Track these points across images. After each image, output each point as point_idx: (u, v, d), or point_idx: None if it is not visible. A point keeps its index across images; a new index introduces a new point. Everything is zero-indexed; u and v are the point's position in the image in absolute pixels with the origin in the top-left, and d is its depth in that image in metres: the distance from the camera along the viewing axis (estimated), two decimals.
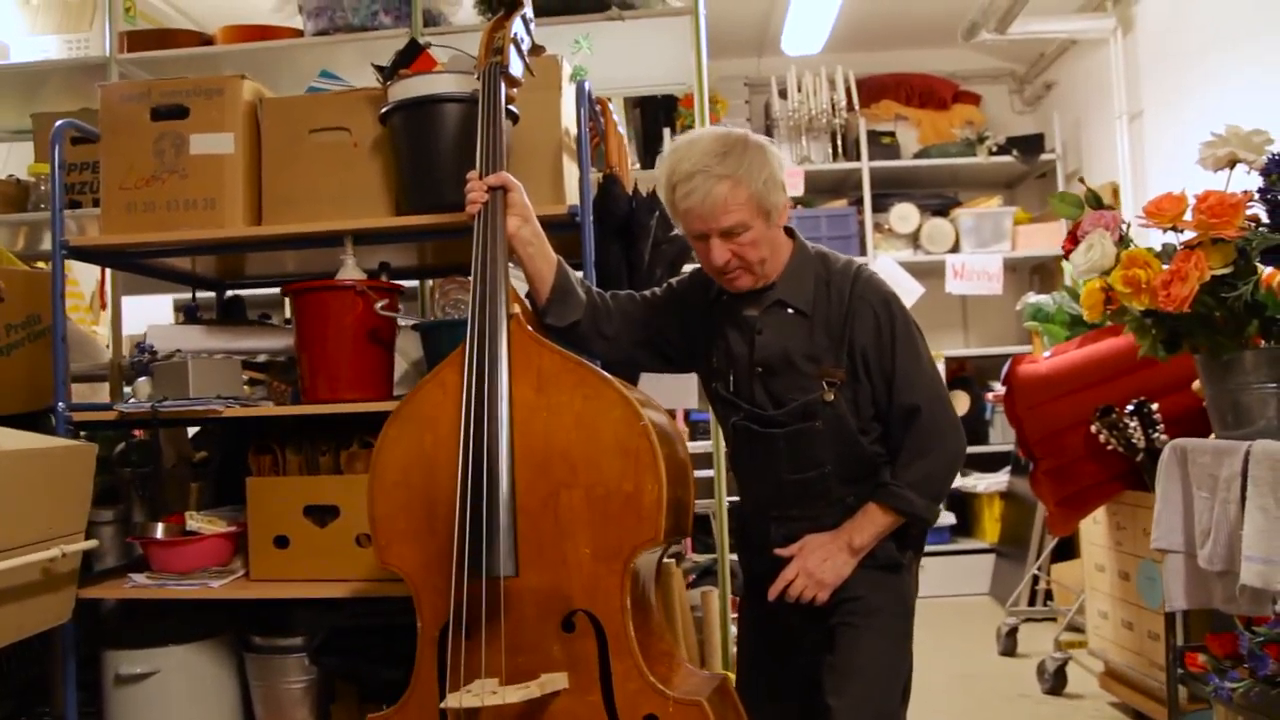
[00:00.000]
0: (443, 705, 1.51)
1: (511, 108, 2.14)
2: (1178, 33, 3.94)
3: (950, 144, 4.99)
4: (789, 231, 1.79)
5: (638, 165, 4.19)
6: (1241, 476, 1.71)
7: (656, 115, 4.93)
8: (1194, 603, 1.92)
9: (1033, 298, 3.85)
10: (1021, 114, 5.39)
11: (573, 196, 2.19)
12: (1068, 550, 4.12)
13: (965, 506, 4.92)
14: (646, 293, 1.92)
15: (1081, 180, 3.81)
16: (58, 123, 2.35)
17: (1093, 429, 2.79)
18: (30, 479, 1.78)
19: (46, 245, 3.21)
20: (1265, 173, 1.61)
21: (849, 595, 1.72)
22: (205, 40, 3.19)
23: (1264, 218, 1.62)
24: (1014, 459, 4.66)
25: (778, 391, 1.73)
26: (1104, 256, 1.76)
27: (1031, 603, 4.12)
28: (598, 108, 2.46)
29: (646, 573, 1.63)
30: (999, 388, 4.40)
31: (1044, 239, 4.82)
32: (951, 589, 4.69)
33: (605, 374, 1.62)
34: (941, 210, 4.95)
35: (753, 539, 1.87)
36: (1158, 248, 1.78)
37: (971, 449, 4.86)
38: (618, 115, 3.43)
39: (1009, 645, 3.78)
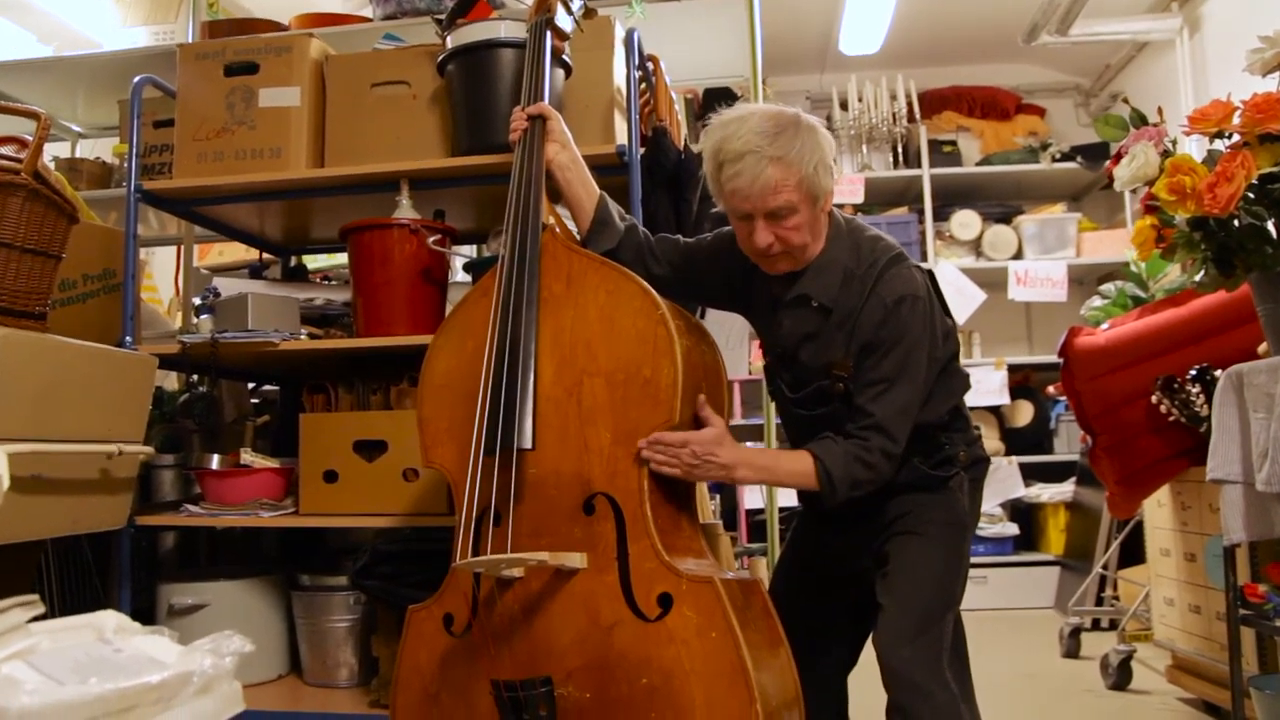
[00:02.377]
0: (455, 565, 1.54)
1: (564, 58, 2.22)
2: (1246, 35, 3.88)
3: (1013, 151, 4.96)
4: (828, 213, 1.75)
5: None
6: None
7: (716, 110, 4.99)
8: (1254, 534, 1.85)
9: (1097, 302, 3.78)
10: (1087, 127, 5.33)
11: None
12: (1135, 555, 3.98)
13: (1029, 517, 4.78)
14: (692, 240, 1.94)
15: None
16: (137, 77, 2.50)
17: (1154, 400, 2.71)
18: (93, 376, 1.86)
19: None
20: None
21: (900, 512, 1.73)
22: (280, 29, 3.36)
23: None
24: (1079, 469, 4.54)
25: (795, 377, 1.76)
26: (1147, 165, 1.74)
27: (1098, 604, 3.96)
28: (649, 64, 2.53)
29: None
30: (1055, 390, 4.33)
31: (1110, 246, 4.74)
32: (1015, 601, 4.55)
33: (629, 271, 1.67)
34: (1004, 218, 4.91)
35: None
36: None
37: (1036, 459, 4.75)
38: (680, 113, 3.51)
39: (1072, 646, 3.64)
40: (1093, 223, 4.97)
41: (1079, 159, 4.84)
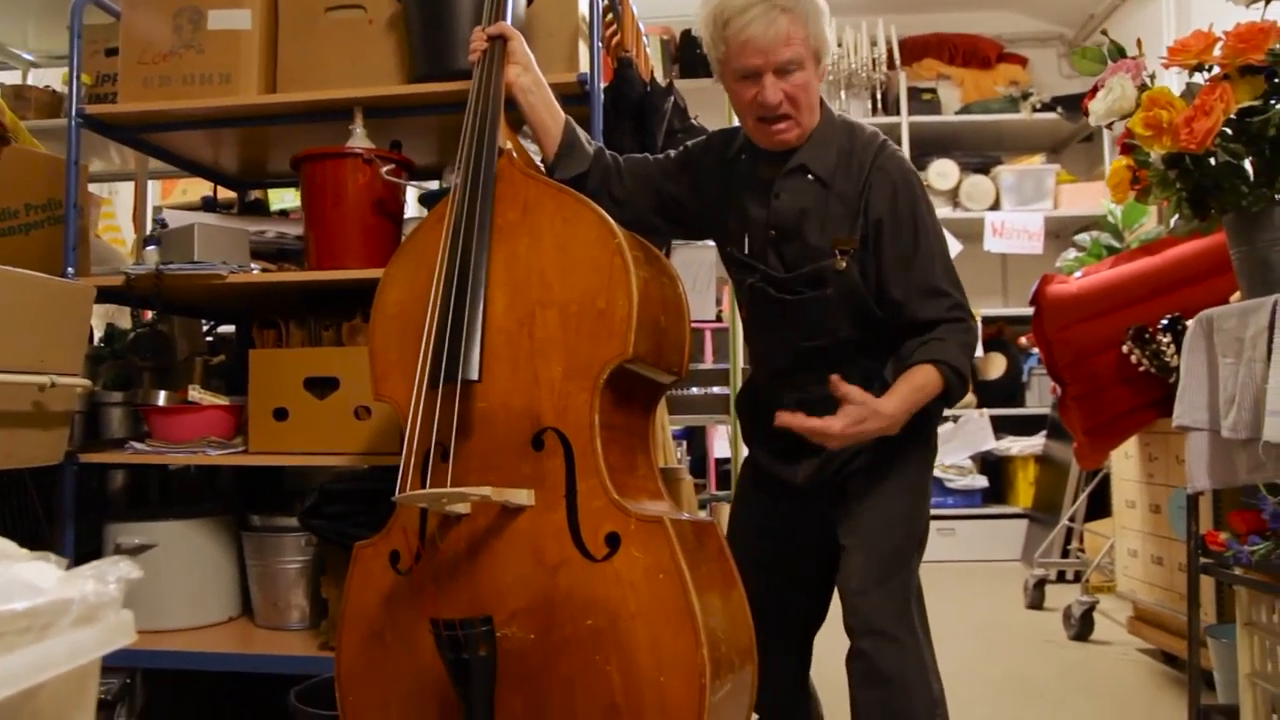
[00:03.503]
0: (394, 498, 1.49)
1: None
2: None
3: (992, 101, 4.88)
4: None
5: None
6: (1269, 331, 1.61)
7: (695, 68, 4.88)
8: (1218, 481, 1.81)
9: (1072, 254, 3.73)
10: (1070, 78, 5.25)
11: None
12: (1103, 509, 3.99)
13: (998, 470, 4.78)
14: (660, 155, 1.88)
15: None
16: None
17: (1124, 350, 2.67)
18: (24, 305, 1.78)
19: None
20: None
21: (863, 448, 1.66)
22: None
23: None
24: (1050, 422, 4.53)
25: (791, 256, 1.68)
26: (1123, 98, 1.67)
27: (1064, 556, 3.98)
28: None
29: (629, 400, 1.58)
30: (1027, 341, 4.30)
31: (1088, 199, 4.69)
32: (982, 554, 4.56)
33: (587, 199, 1.60)
34: (982, 168, 4.84)
35: (763, 415, 1.81)
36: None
37: (1007, 411, 4.74)
38: (655, 59, 3.41)
39: (1036, 598, 3.65)
40: (1071, 175, 4.92)
41: (1059, 109, 4.77)
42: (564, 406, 1.48)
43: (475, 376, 1.50)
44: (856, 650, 1.57)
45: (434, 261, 1.62)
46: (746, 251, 1.74)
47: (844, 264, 1.62)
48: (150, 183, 3.75)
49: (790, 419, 1.54)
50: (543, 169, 1.82)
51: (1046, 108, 4.81)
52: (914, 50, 5.08)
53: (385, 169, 2.16)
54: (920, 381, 1.58)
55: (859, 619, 1.58)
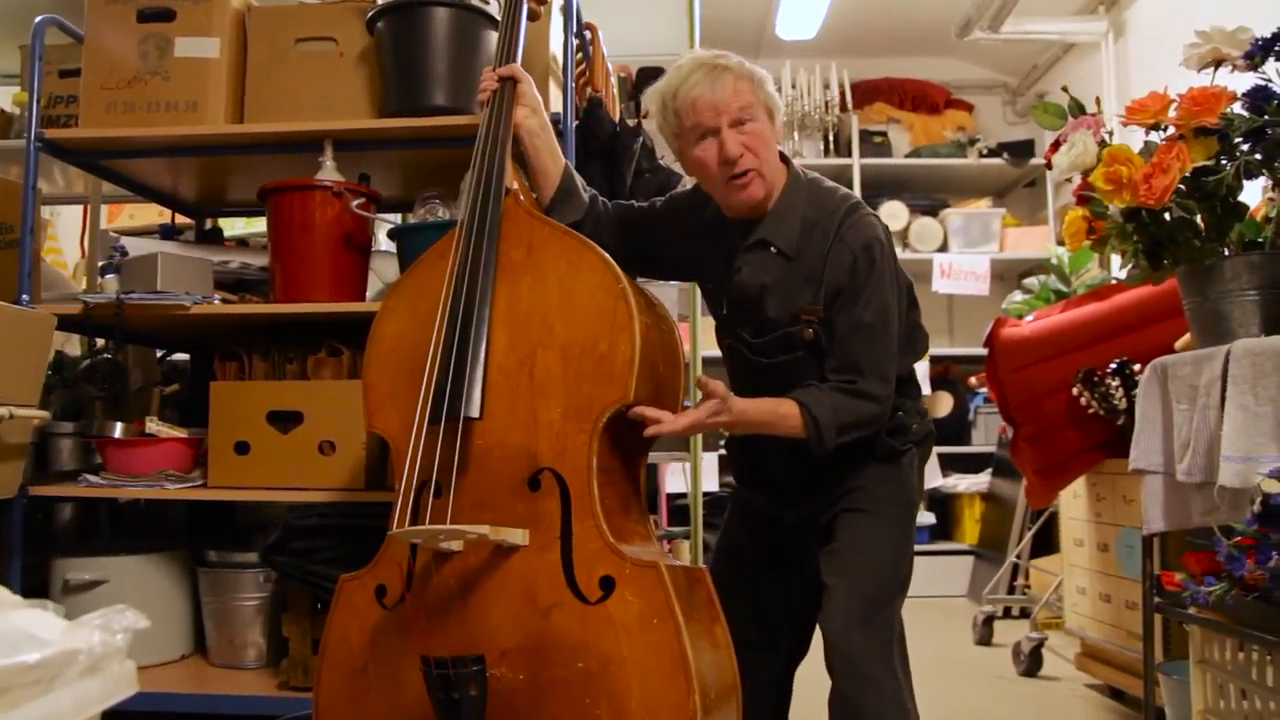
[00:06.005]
0: (391, 532, 1.47)
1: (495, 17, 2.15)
2: (1169, 39, 3.98)
3: (941, 145, 5.01)
4: (784, 160, 1.75)
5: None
6: (1221, 380, 1.68)
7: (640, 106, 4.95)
8: (1173, 523, 1.87)
9: (1018, 297, 3.84)
10: (1014, 124, 5.41)
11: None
12: (1048, 546, 4.08)
13: (945, 507, 4.86)
14: (645, 203, 1.91)
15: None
16: (39, 18, 2.34)
17: (1074, 392, 2.75)
18: None
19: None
20: (1248, 56, 1.60)
21: (851, 486, 1.69)
22: None
23: (1243, 110, 1.61)
24: (996, 460, 4.63)
25: (761, 323, 1.70)
26: (1086, 153, 1.74)
27: (1010, 592, 4.05)
28: (587, 33, 2.47)
29: (624, 444, 1.58)
30: (981, 387, 4.41)
31: (1032, 242, 4.83)
32: (929, 590, 4.61)
33: (592, 243, 1.61)
34: (930, 210, 4.96)
35: (751, 460, 1.85)
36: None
37: (953, 449, 4.83)
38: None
39: (985, 634, 3.71)
40: (1015, 219, 5.06)
41: (1005, 155, 4.92)
42: (562, 447, 1.49)
43: (477, 414, 1.50)
44: (838, 693, 1.58)
45: (434, 296, 1.62)
46: (723, 312, 1.77)
47: (810, 333, 1.64)
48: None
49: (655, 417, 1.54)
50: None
51: (993, 153, 4.96)
52: (865, 94, 5.20)
53: (355, 203, 2.15)
54: (784, 411, 1.60)
55: (841, 659, 1.58)
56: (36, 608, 0.80)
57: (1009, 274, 5.17)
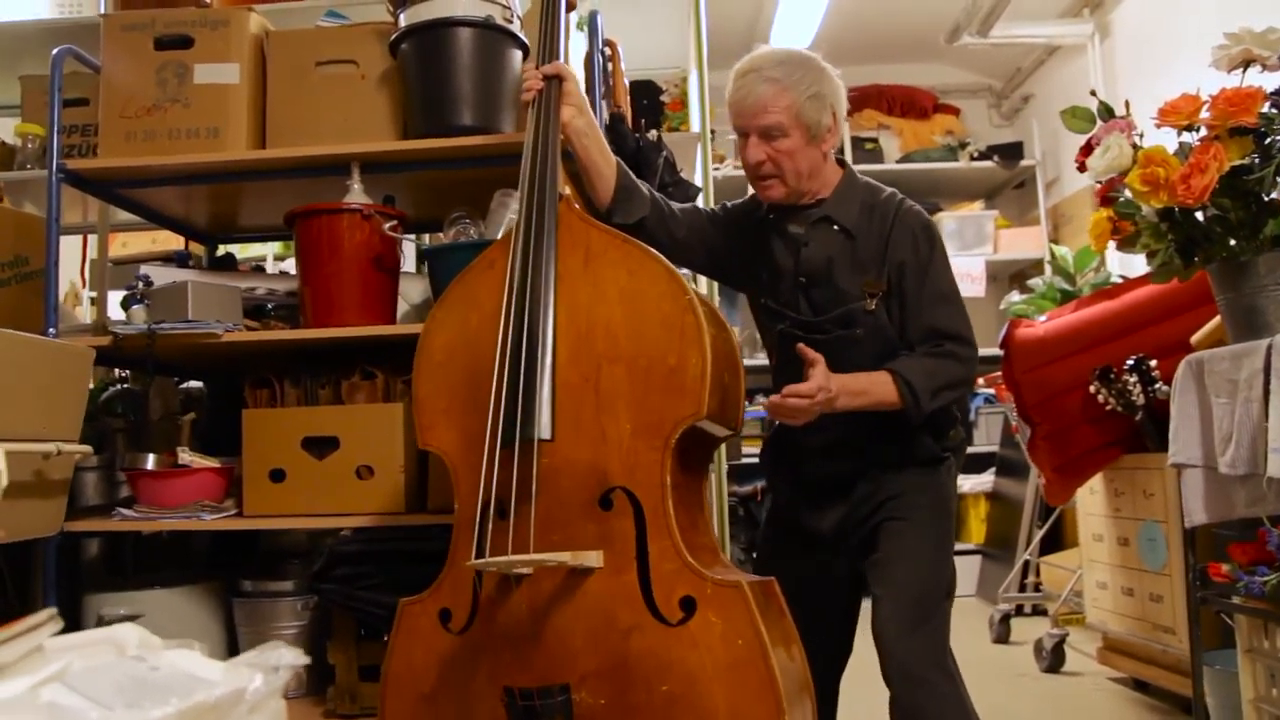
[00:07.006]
0: (468, 564, 1.45)
1: (519, 35, 2.15)
2: (1153, 41, 4.05)
3: (932, 150, 5.07)
4: (841, 163, 1.85)
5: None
6: (1264, 373, 1.71)
7: (638, 120, 4.96)
8: (1215, 515, 1.90)
9: (1016, 297, 3.88)
10: (1000, 127, 5.49)
11: None
12: (1056, 544, 4.12)
13: None
14: (705, 207, 1.98)
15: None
16: (57, 49, 2.32)
17: (1091, 389, 2.79)
18: (25, 369, 1.71)
19: (31, 207, 3.14)
20: None
21: (890, 494, 1.74)
22: (203, 4, 3.17)
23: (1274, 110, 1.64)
24: (999, 460, 4.67)
25: (820, 300, 1.77)
26: (1121, 156, 1.77)
27: (1022, 590, 4.08)
28: (607, 49, 2.48)
29: (691, 457, 1.57)
30: (983, 387, 4.45)
31: (1026, 243, 4.89)
32: None
33: (652, 250, 1.57)
34: None
35: (790, 460, 1.87)
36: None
37: None
38: None
39: (1002, 632, 3.74)
40: (1006, 220, 5.12)
41: (996, 158, 4.98)
42: (633, 464, 1.45)
43: (548, 435, 1.47)
44: (898, 699, 1.59)
45: (486, 306, 1.59)
46: (777, 301, 1.82)
47: (873, 305, 1.72)
48: (93, 235, 3.62)
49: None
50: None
51: (983, 156, 5.01)
52: (855, 101, 5.25)
53: (387, 225, 2.14)
54: (878, 378, 1.68)
55: (895, 665, 1.60)
56: (182, 647, 0.80)
57: (1002, 274, 5.23)
